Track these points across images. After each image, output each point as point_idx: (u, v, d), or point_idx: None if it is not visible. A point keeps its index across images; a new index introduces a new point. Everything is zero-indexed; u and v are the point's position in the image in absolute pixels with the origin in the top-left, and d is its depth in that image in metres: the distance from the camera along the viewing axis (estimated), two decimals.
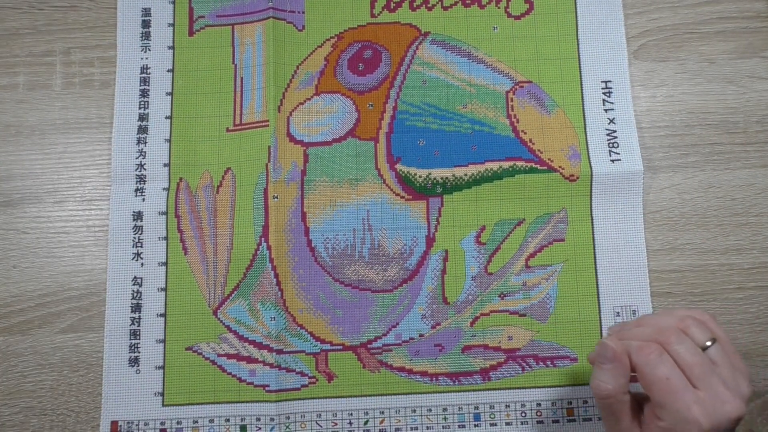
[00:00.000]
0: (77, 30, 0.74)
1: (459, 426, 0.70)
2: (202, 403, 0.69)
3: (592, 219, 0.73)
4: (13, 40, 0.74)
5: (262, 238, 0.71)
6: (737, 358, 0.55)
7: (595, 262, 0.73)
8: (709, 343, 0.53)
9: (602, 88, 0.75)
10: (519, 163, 0.73)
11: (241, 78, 0.74)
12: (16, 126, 0.73)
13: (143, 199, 0.72)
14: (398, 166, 0.73)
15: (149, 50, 0.75)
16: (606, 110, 0.75)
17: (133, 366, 0.70)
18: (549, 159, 0.74)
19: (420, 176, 0.73)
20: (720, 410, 0.50)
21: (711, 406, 0.50)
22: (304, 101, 0.74)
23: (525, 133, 0.74)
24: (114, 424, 0.69)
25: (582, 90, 0.75)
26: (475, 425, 0.70)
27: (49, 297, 0.70)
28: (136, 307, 0.69)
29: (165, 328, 0.70)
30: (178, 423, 0.69)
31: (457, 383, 0.71)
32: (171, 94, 0.74)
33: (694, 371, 0.51)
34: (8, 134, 0.73)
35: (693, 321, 0.55)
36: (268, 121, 0.73)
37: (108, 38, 0.74)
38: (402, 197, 0.73)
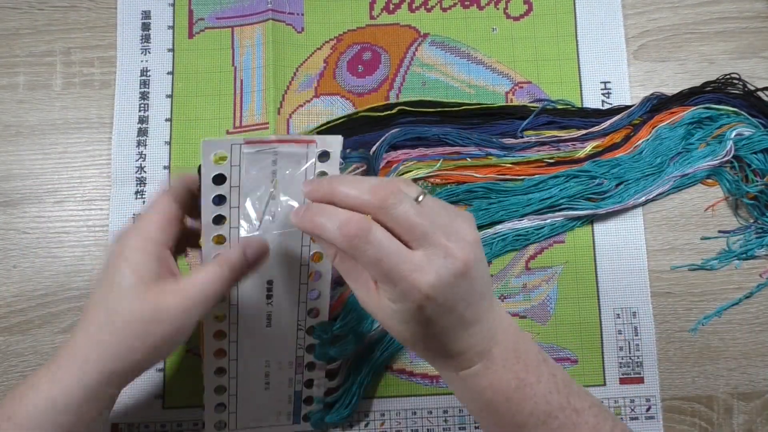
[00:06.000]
0: (77, 30, 0.75)
1: (460, 428, 0.70)
2: (202, 406, 0.69)
3: (591, 220, 0.73)
4: (13, 40, 0.74)
5: None
6: (450, 207, 0.51)
7: (595, 263, 0.73)
8: (421, 198, 0.48)
9: (601, 89, 0.76)
10: None
11: (241, 80, 0.75)
12: (16, 126, 0.73)
13: (143, 202, 0.72)
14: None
15: (149, 53, 0.75)
16: None
17: None
18: None
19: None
20: (443, 266, 0.46)
21: (432, 265, 0.46)
22: (304, 103, 0.74)
23: None
24: (115, 426, 0.69)
25: (581, 90, 0.76)
26: (476, 427, 0.70)
27: (49, 297, 0.70)
28: None
29: None
30: (178, 425, 0.69)
31: None
32: (171, 96, 0.74)
33: (416, 232, 0.47)
34: (8, 134, 0.73)
35: (399, 180, 0.50)
36: (268, 123, 0.73)
37: (108, 38, 0.75)
38: None
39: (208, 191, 0.53)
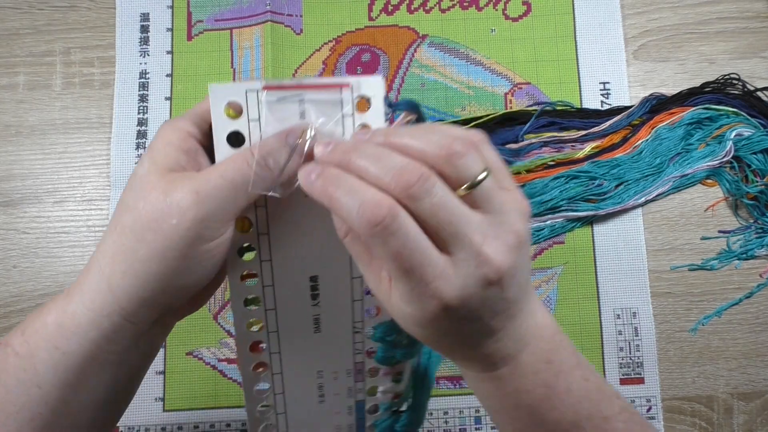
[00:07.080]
0: (77, 30, 0.75)
1: (460, 429, 0.70)
2: (202, 408, 0.69)
3: (591, 221, 0.73)
4: (13, 40, 0.74)
5: None
6: (509, 187, 0.40)
7: (595, 264, 0.73)
8: (482, 176, 0.38)
9: (600, 90, 0.76)
10: None
11: None
12: (16, 126, 0.73)
13: None
14: None
15: (148, 55, 0.75)
16: None
17: None
18: None
19: None
20: (472, 275, 0.38)
21: (459, 273, 0.38)
22: None
23: None
24: (115, 430, 0.68)
25: (580, 91, 0.76)
26: (476, 428, 0.70)
27: (49, 297, 0.70)
28: None
29: None
30: (179, 428, 0.69)
31: (458, 386, 0.71)
32: (170, 98, 0.74)
33: (445, 231, 0.37)
34: (8, 134, 0.73)
35: (462, 145, 0.38)
36: None
37: (108, 38, 0.75)
38: None
39: (223, 153, 0.41)
